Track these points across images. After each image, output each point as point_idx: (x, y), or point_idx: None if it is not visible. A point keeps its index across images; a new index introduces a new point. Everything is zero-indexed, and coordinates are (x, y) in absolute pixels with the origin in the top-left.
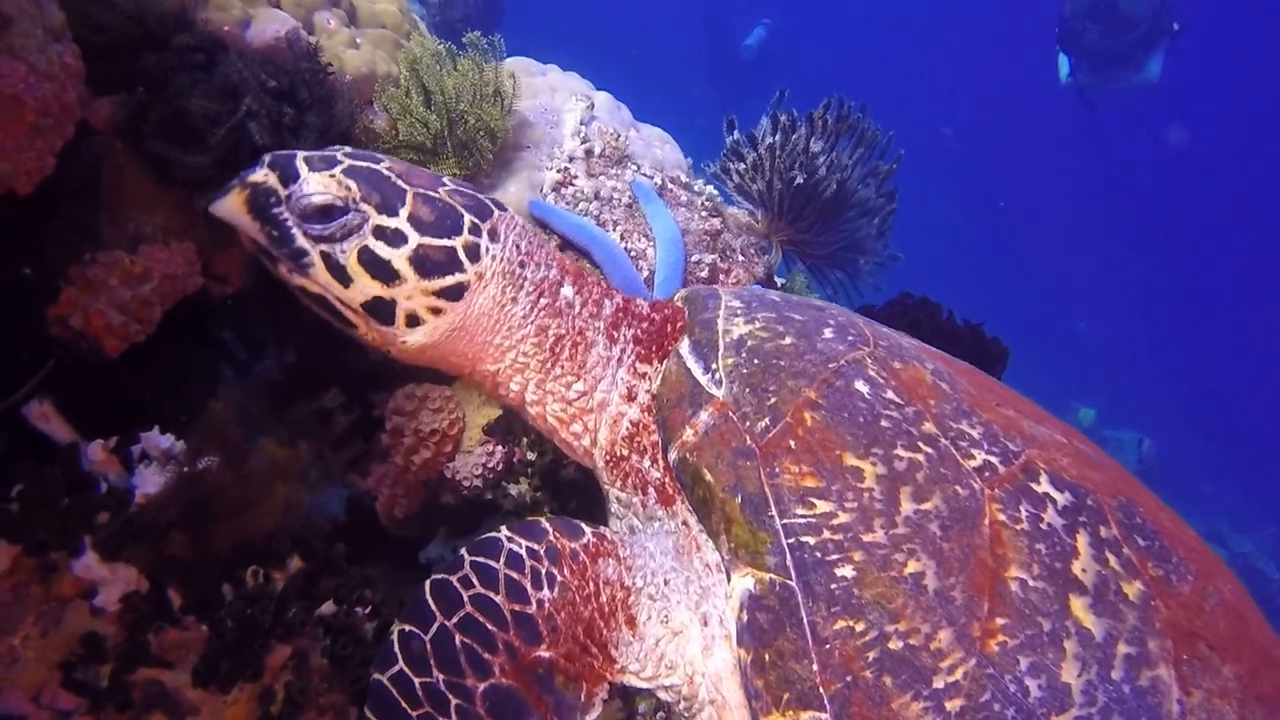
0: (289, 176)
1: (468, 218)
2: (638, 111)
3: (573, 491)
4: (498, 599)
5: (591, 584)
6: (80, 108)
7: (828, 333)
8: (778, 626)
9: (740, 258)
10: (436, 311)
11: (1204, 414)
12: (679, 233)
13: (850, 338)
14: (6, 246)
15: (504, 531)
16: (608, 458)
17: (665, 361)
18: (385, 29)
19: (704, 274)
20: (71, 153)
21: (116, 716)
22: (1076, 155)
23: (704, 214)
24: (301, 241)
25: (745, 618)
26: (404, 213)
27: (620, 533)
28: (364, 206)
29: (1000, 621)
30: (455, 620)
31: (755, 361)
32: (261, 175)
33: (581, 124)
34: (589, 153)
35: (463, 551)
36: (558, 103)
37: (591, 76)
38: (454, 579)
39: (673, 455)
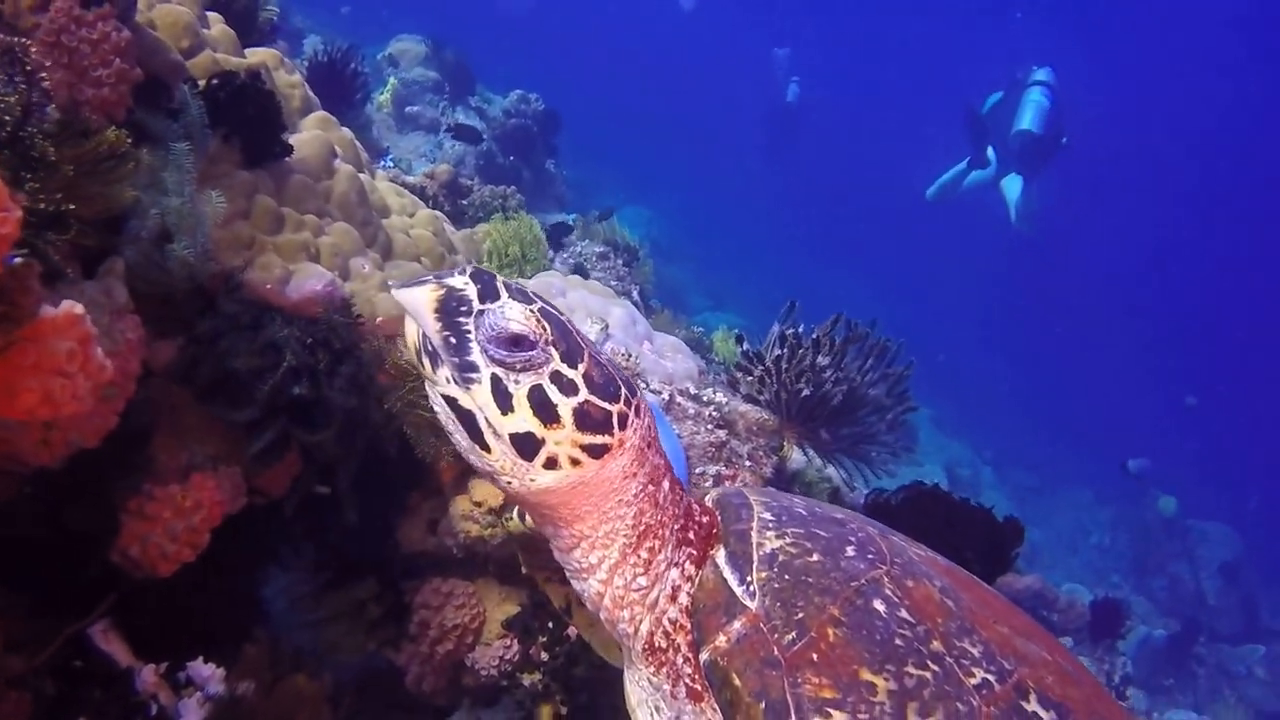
0: (488, 294)
1: (624, 390)
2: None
3: (583, 686)
4: None
5: None
6: (141, 365)
7: (850, 550)
8: None
9: (748, 462)
10: (575, 463)
11: None
12: (682, 451)
13: (870, 555)
14: (78, 490)
15: None
16: (645, 646)
17: (702, 569)
18: (419, 260)
19: (708, 484)
20: (134, 400)
21: None
22: None
23: (710, 425)
24: (476, 357)
25: None
26: (581, 368)
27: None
28: (551, 350)
29: None
30: None
31: (786, 577)
32: (462, 283)
33: None
34: None
35: None
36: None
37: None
38: None
39: (705, 657)
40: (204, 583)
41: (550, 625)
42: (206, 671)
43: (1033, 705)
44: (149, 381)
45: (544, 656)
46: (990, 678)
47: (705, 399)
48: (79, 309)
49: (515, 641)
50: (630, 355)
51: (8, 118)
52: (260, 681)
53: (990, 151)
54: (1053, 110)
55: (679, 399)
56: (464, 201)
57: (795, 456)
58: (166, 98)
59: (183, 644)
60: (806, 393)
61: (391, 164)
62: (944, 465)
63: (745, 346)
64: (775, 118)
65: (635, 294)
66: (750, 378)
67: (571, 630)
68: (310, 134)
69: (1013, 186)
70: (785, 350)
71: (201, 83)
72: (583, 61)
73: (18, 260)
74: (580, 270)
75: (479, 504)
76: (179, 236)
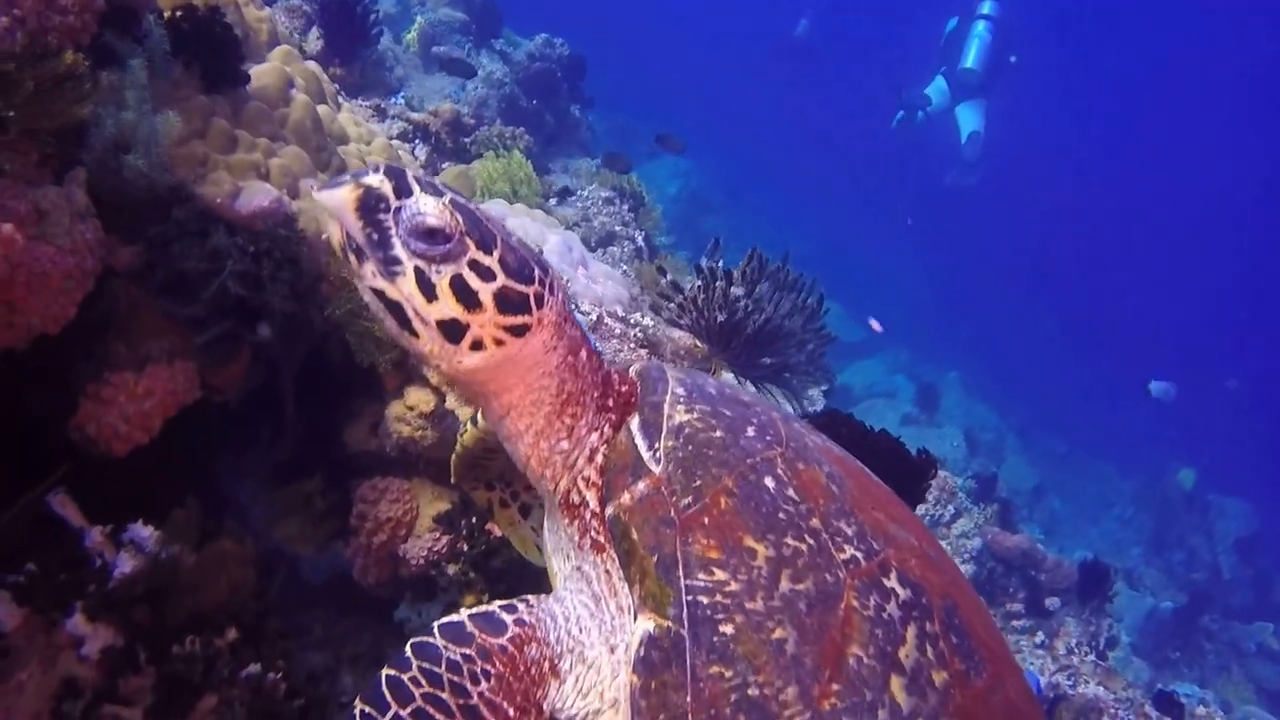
0: (402, 190)
1: (537, 270)
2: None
3: (502, 577)
4: (444, 695)
5: (521, 666)
6: (100, 264)
7: (750, 431)
8: (665, 663)
9: None
10: (499, 343)
11: None
12: None
13: (768, 437)
14: (42, 373)
15: (437, 638)
16: (562, 501)
17: (619, 433)
18: None
19: None
20: (95, 296)
21: None
22: None
23: (633, 345)
24: (399, 251)
25: (642, 652)
26: (496, 254)
27: (552, 572)
28: (467, 240)
29: (835, 687)
30: (409, 711)
31: (689, 448)
32: (377, 181)
33: None
34: None
35: (408, 654)
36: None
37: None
38: (405, 678)
39: (609, 511)
40: (159, 467)
41: (474, 520)
42: (145, 533)
43: (892, 582)
44: (112, 281)
45: (465, 547)
46: (859, 555)
47: (633, 321)
48: None
49: (443, 535)
50: (564, 280)
51: None
52: (187, 542)
53: (943, 82)
54: (995, 43)
55: (607, 319)
56: (466, 140)
57: (727, 378)
58: (136, 27)
59: (138, 518)
60: (722, 319)
61: (402, 101)
62: (964, 429)
63: (669, 277)
64: (784, 52)
65: (640, 238)
66: (671, 305)
67: (493, 527)
68: (270, 65)
69: (965, 115)
70: (702, 281)
71: (167, 14)
72: (616, 5)
73: None
74: (587, 215)
75: (411, 408)
76: (134, 148)
